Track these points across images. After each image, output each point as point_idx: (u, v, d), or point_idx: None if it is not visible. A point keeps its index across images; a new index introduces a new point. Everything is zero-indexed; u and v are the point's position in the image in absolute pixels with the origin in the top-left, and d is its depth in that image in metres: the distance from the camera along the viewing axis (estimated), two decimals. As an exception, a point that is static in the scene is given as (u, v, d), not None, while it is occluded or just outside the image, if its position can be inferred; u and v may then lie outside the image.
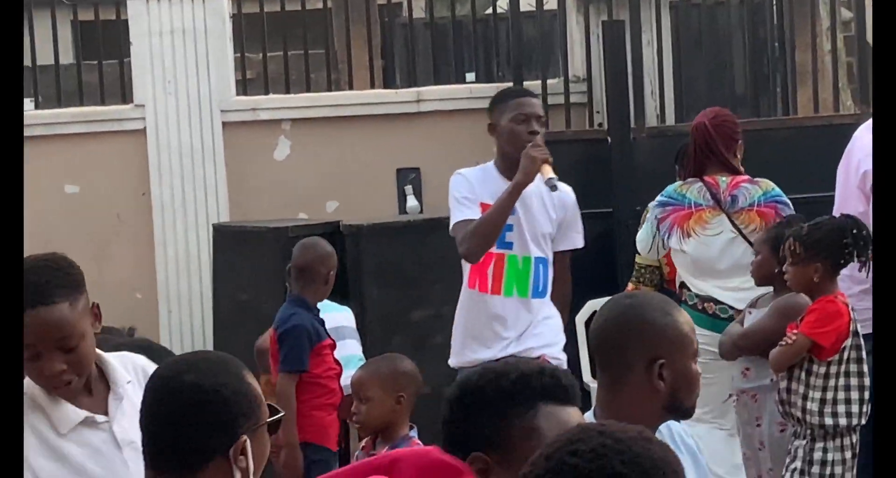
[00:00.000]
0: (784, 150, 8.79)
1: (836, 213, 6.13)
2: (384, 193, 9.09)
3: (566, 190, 6.01)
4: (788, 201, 6.44)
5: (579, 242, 6.09)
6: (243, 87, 9.60)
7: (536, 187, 5.85)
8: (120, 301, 8.74)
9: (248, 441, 2.73)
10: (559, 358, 5.90)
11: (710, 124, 6.45)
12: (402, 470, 1.45)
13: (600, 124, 9.13)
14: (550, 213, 5.97)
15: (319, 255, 6.51)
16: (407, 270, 8.13)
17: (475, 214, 5.83)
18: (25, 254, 2.79)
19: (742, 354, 5.97)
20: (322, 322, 6.46)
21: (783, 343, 5.54)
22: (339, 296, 8.22)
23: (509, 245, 5.90)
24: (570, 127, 9.17)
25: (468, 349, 5.98)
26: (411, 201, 9.04)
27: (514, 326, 5.92)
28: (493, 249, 5.85)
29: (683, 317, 3.40)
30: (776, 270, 5.81)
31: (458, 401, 2.58)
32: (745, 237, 6.36)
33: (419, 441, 4.99)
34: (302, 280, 6.45)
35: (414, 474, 1.44)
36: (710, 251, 6.42)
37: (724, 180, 6.42)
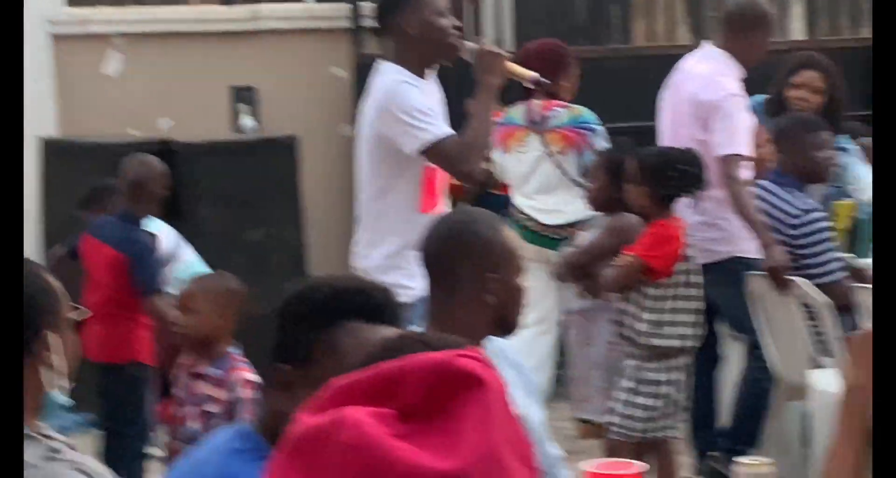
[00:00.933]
0: (621, 78, 8.86)
1: (665, 142, 6.30)
2: (218, 111, 8.94)
3: None
4: (597, 128, 6.64)
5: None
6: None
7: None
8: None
9: (51, 336, 2.71)
10: None
11: (532, 52, 6.68)
12: (409, 384, 1.38)
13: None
14: None
15: (155, 172, 6.46)
16: (240, 189, 8.03)
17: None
18: None
19: (575, 272, 6.05)
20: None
21: (615, 264, 5.62)
22: (173, 215, 8.10)
23: None
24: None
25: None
26: (246, 120, 8.90)
27: None
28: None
29: (510, 233, 3.49)
30: (613, 196, 5.89)
31: (279, 312, 2.61)
32: (551, 156, 6.62)
33: (243, 359, 5.04)
34: (135, 197, 6.37)
35: (422, 392, 1.37)
36: (521, 167, 6.67)
37: (537, 103, 6.61)
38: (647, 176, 5.67)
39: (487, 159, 5.84)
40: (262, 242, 7.88)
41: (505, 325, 3.41)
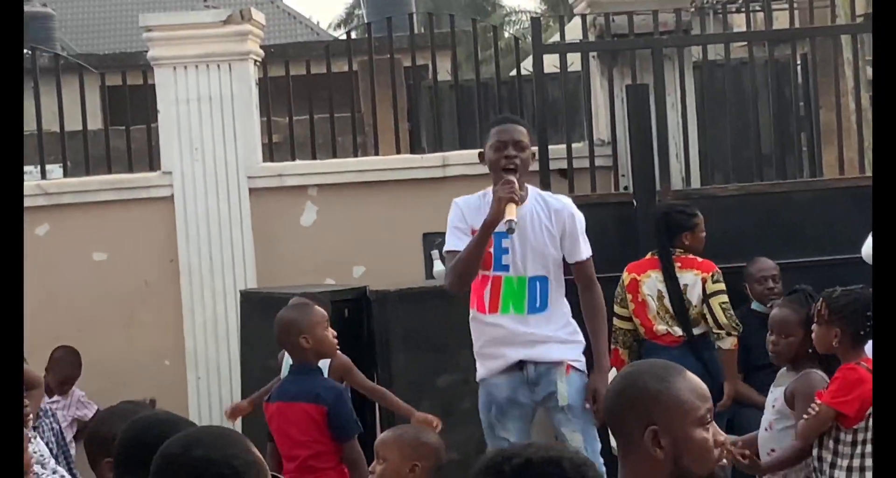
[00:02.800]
0: (810, 211, 8.79)
1: None
2: (411, 258, 9.11)
3: (563, 202, 6.34)
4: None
5: (585, 254, 6.34)
6: (269, 152, 9.66)
7: (531, 206, 6.21)
8: (148, 369, 8.78)
9: None
10: (580, 360, 6.34)
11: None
12: None
13: (626, 188, 9.14)
14: (549, 229, 6.25)
15: (279, 327, 6.40)
16: (434, 335, 8.14)
17: (463, 243, 6.18)
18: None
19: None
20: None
21: (807, 415, 5.53)
22: (367, 362, 8.25)
23: (506, 268, 6.24)
24: (595, 190, 9.18)
25: (483, 365, 6.42)
26: (438, 266, 9.04)
27: (513, 341, 6.24)
28: (490, 273, 6.22)
29: (684, 383, 3.32)
30: (806, 350, 5.82)
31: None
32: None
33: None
34: (290, 346, 6.42)
35: None
36: None
37: None
38: (843, 315, 5.58)
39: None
40: (452, 388, 7.96)
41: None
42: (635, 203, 8.76)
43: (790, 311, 6.04)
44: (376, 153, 10.15)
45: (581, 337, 6.40)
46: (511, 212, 5.94)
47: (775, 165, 9.70)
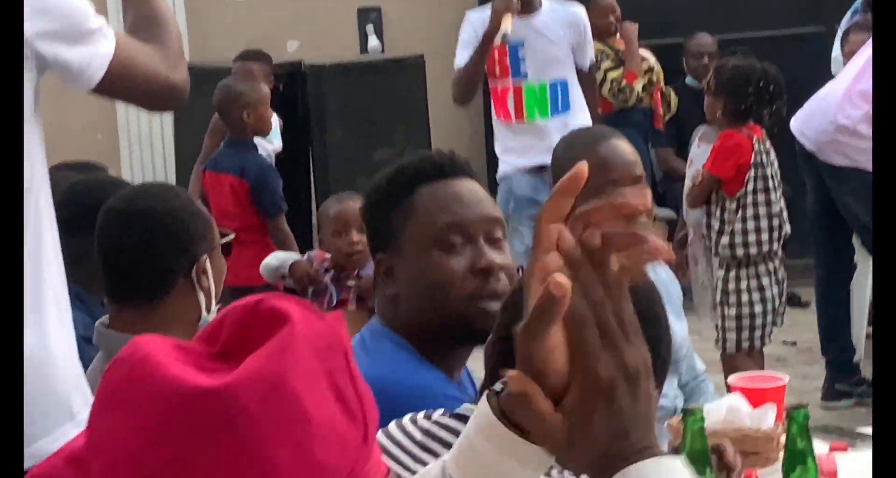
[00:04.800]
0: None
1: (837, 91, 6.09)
2: (345, 33, 9.00)
3: (577, 13, 6.41)
4: None
5: (590, 60, 6.49)
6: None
7: (545, 16, 6.26)
8: (81, 142, 8.70)
9: (208, 262, 2.80)
10: None
11: None
12: (226, 325, 1.33)
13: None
14: (561, 33, 6.31)
15: (234, 93, 6.45)
16: (369, 110, 8.10)
17: (467, 55, 6.24)
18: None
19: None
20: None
21: (692, 181, 5.70)
22: (302, 137, 8.22)
23: (525, 75, 6.30)
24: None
25: (506, 162, 6.41)
26: (373, 41, 8.96)
27: (545, 139, 6.11)
28: (510, 82, 6.30)
29: (629, 147, 3.56)
30: None
31: (361, 210, 2.67)
32: None
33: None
34: (228, 122, 6.46)
35: (236, 332, 1.32)
36: None
37: None
38: (725, 88, 5.69)
39: None
40: (389, 163, 7.95)
41: None
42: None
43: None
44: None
45: None
46: (507, 23, 5.99)
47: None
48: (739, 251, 5.64)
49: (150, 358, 1.29)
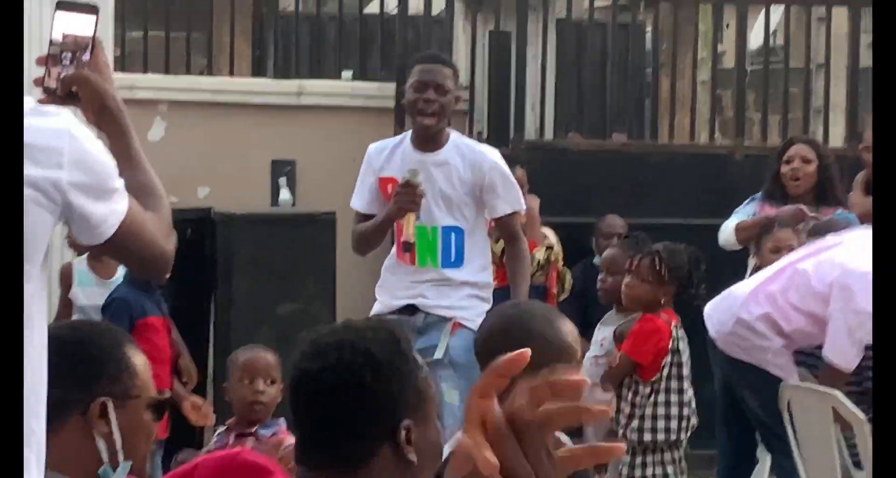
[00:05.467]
0: (660, 173, 8.92)
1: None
2: (257, 183, 8.99)
3: (484, 154, 5.85)
4: None
5: (504, 210, 5.86)
6: (121, 64, 9.44)
7: (444, 158, 5.79)
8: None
9: (112, 407, 2.71)
10: (473, 320, 5.68)
11: None
12: (201, 474, 1.34)
13: (479, 133, 9.15)
14: (462, 177, 5.80)
15: None
16: (277, 262, 8.07)
17: (363, 201, 5.93)
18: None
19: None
20: (159, 302, 6.56)
21: (609, 364, 5.73)
22: (207, 284, 8.14)
23: (418, 218, 5.79)
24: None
25: (380, 302, 5.97)
26: (284, 194, 8.96)
27: (431, 295, 5.86)
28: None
29: (567, 327, 3.48)
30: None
31: (376, 375, 2.42)
32: None
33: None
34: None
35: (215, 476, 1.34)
36: None
37: None
38: (678, 275, 5.74)
39: None
40: (292, 317, 7.90)
41: None
42: (488, 150, 8.77)
43: (621, 251, 6.26)
44: (230, 75, 9.98)
45: (488, 301, 5.95)
46: (409, 224, 5.69)
47: (628, 126, 9.82)
48: (647, 436, 5.65)
49: None
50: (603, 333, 6.29)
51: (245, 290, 8.02)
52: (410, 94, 5.78)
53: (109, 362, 2.76)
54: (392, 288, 5.94)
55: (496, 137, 8.77)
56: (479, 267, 5.90)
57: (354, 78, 9.68)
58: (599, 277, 6.36)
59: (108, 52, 8.85)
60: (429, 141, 5.76)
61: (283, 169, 8.98)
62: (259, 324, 7.74)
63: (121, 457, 2.70)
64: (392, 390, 2.42)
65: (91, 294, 7.02)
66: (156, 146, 9.05)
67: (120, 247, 2.64)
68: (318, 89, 9.14)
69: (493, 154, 5.90)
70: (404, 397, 2.42)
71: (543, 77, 9.30)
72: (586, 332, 7.89)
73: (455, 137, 5.95)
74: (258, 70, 10.25)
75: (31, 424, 2.52)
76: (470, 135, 9.21)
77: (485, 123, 9.11)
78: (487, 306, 5.76)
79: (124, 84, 9.01)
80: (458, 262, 5.85)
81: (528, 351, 1.31)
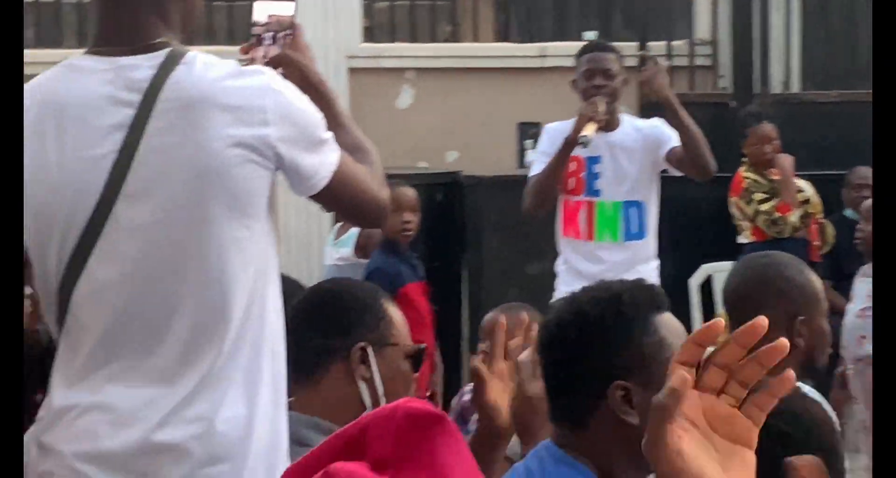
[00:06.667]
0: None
1: None
2: (504, 146, 9.12)
3: (654, 124, 6.10)
4: None
5: (675, 141, 5.98)
6: (370, 35, 9.65)
7: (623, 132, 6.08)
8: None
9: (372, 353, 2.80)
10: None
11: None
12: (373, 437, 1.37)
13: (724, 89, 9.09)
14: (640, 152, 6.08)
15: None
16: (525, 223, 8.16)
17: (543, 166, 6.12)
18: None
19: None
20: (414, 266, 6.63)
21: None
22: (456, 247, 8.31)
23: (597, 192, 6.09)
24: (693, 89, 9.13)
25: (566, 285, 6.04)
26: (531, 155, 9.05)
27: (611, 263, 6.02)
28: (583, 198, 6.11)
29: (816, 276, 3.51)
30: None
31: (578, 337, 2.45)
32: None
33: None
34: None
35: (390, 440, 1.37)
36: None
37: None
38: None
39: None
40: (542, 277, 8.00)
41: (812, 368, 3.41)
42: (733, 104, 8.72)
43: None
44: (475, 41, 10.12)
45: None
46: (589, 129, 5.88)
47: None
48: None
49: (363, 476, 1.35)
50: (867, 284, 6.19)
51: (494, 251, 8.16)
52: (582, 83, 6.09)
53: (367, 311, 2.85)
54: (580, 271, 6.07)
55: (741, 92, 8.71)
56: (654, 247, 6.17)
57: (597, 39, 9.68)
58: (858, 225, 6.26)
59: (357, 23, 9.10)
60: (607, 120, 5.97)
61: (528, 131, 9.06)
62: (509, 284, 7.86)
63: (383, 402, 2.77)
64: (602, 348, 2.42)
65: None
66: (404, 113, 9.25)
67: (335, 197, 2.72)
68: (561, 51, 9.17)
69: (660, 122, 6.11)
70: (619, 356, 2.41)
71: (788, 28, 9.17)
72: (841, 285, 7.84)
73: (628, 117, 6.28)
74: (502, 35, 10.36)
75: (278, 368, 2.67)
76: (714, 89, 9.17)
77: (729, 78, 9.03)
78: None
79: (371, 53, 9.24)
80: (641, 234, 6.10)
81: (764, 319, 1.33)
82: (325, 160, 2.68)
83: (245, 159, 2.59)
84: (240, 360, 2.62)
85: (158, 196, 2.61)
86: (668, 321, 2.46)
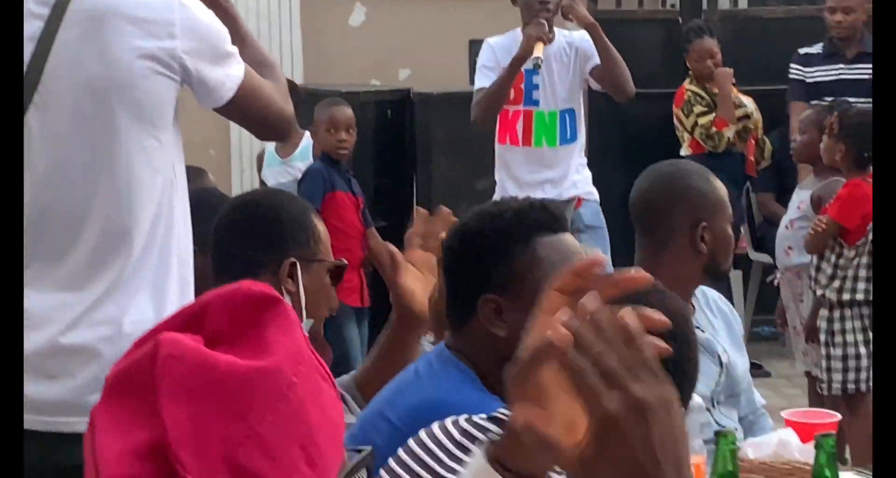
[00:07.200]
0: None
1: None
2: (456, 64, 9.18)
3: (584, 37, 6.36)
4: None
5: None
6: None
7: (558, 44, 6.36)
8: (194, 157, 8.94)
9: (299, 269, 2.89)
10: (592, 191, 6.46)
11: None
12: (212, 313, 1.51)
13: (672, 6, 9.17)
14: (572, 62, 6.40)
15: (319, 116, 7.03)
16: (474, 139, 8.25)
17: (490, 81, 6.44)
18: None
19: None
20: (348, 180, 6.84)
21: (813, 228, 5.72)
22: (407, 164, 8.42)
23: (536, 102, 6.44)
24: (642, 6, 9.21)
25: (504, 190, 6.54)
26: (482, 73, 9.12)
27: (551, 166, 6.41)
28: (521, 107, 6.45)
29: (720, 184, 3.59)
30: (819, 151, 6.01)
31: (459, 247, 2.58)
32: None
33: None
34: None
35: (225, 317, 1.51)
36: None
37: None
38: (850, 132, 5.72)
39: None
40: (490, 192, 8.12)
41: (715, 273, 3.53)
42: (681, 21, 8.79)
43: (813, 112, 6.31)
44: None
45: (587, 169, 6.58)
46: (539, 50, 6.13)
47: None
48: (846, 295, 5.69)
49: (199, 351, 1.46)
50: (801, 196, 6.35)
51: (445, 167, 8.26)
52: None
53: (298, 227, 2.94)
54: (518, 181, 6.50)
55: (689, 9, 8.79)
56: (582, 146, 6.52)
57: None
58: (792, 136, 6.41)
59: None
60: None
61: (479, 49, 9.12)
62: (458, 199, 7.97)
63: (303, 315, 2.89)
64: (476, 261, 2.55)
65: (275, 173, 7.41)
66: (357, 31, 9.31)
67: (242, 109, 2.86)
68: (511, -31, 9.22)
69: (584, 34, 6.41)
70: (492, 271, 2.53)
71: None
72: (783, 198, 7.98)
73: (559, 31, 6.50)
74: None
75: (184, 273, 2.80)
76: (663, 6, 9.26)
77: (678, -6, 9.11)
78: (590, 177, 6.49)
79: (325, -28, 9.26)
80: (574, 138, 6.44)
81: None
82: (231, 73, 2.81)
83: (152, 71, 2.71)
84: (147, 266, 2.75)
85: (67, 106, 2.72)
86: (555, 243, 2.54)
